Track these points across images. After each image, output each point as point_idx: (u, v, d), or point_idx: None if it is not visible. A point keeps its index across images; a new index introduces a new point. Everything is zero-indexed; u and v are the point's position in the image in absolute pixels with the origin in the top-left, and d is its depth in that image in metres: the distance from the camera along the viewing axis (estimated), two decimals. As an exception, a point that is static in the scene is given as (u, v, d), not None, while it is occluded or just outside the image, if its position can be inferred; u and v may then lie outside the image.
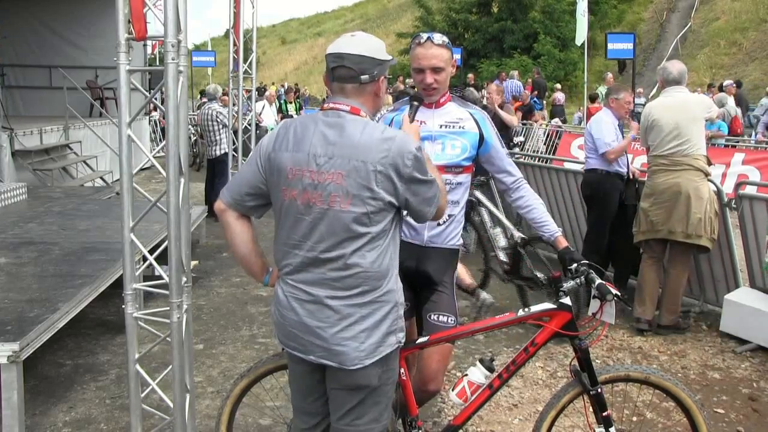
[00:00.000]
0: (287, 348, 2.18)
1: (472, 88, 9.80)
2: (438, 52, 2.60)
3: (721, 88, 15.05)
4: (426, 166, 2.07)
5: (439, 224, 2.72)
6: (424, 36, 2.63)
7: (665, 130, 4.68)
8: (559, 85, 21.23)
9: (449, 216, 2.73)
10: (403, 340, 2.19)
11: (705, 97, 5.06)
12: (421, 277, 2.74)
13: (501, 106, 9.01)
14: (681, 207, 4.62)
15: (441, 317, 2.67)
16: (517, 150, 10.29)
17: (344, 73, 2.05)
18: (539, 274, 4.99)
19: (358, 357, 2.04)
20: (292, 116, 14.23)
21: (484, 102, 9.36)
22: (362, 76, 2.04)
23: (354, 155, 1.98)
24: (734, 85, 15.21)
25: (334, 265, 2.03)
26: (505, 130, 8.93)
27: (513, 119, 9.22)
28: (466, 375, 2.54)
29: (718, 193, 4.88)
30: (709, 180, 4.78)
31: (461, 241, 2.82)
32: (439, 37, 2.62)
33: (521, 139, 13.63)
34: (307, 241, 2.05)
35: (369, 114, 2.10)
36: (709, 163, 4.74)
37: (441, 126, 2.71)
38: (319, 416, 2.29)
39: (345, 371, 2.07)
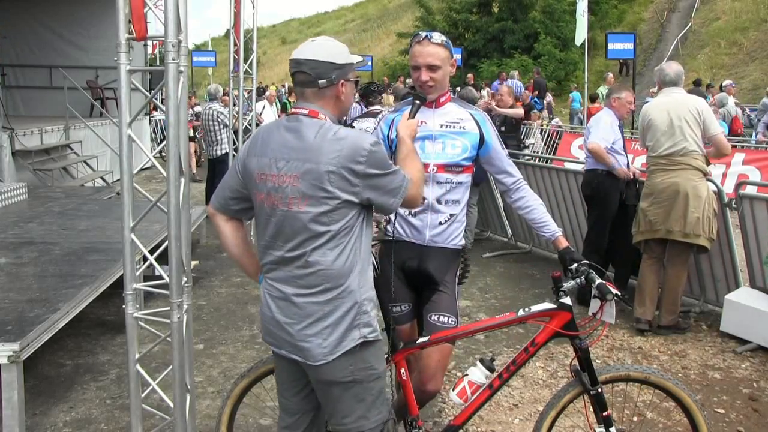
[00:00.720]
0: (266, 342, 2.26)
1: (471, 87, 9.79)
2: (434, 50, 2.61)
3: (720, 89, 15.04)
4: (385, 160, 2.10)
5: (440, 223, 2.72)
6: (423, 34, 2.65)
7: (660, 129, 4.70)
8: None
9: (450, 215, 2.73)
10: (371, 336, 2.16)
11: (699, 98, 5.00)
12: (423, 276, 2.74)
13: (511, 107, 9.03)
14: (679, 206, 4.61)
15: (441, 318, 2.67)
16: (526, 151, 10.28)
17: (302, 78, 2.11)
18: None
19: (321, 353, 2.10)
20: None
21: (482, 102, 9.35)
22: (319, 81, 2.09)
23: (307, 157, 2.04)
24: (732, 84, 15.20)
25: (297, 263, 2.11)
26: (515, 131, 8.92)
27: (518, 111, 9.22)
28: (467, 375, 2.55)
29: (719, 193, 4.88)
30: (709, 180, 4.78)
31: (463, 241, 2.82)
32: (437, 36, 2.63)
33: (532, 141, 13.65)
34: (276, 241, 2.13)
35: (331, 117, 2.15)
36: (708, 163, 4.74)
37: (441, 126, 2.71)
38: (297, 414, 2.34)
39: (312, 367, 2.13)
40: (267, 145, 2.13)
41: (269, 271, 2.19)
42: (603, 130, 5.24)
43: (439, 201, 2.70)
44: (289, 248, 2.10)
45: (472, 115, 2.75)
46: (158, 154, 4.78)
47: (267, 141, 2.14)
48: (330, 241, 2.07)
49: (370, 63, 23.02)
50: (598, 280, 2.47)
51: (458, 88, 10.80)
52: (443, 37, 2.64)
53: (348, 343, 2.12)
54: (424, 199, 2.65)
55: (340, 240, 2.08)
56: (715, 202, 4.69)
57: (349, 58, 2.15)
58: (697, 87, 15.26)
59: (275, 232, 2.12)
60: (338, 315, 2.10)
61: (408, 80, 19.64)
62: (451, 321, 2.67)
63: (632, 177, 5.36)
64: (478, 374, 2.53)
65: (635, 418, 3.64)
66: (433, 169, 2.68)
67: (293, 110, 2.15)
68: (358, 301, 2.13)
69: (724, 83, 15.12)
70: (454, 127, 2.72)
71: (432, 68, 2.62)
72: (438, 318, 2.67)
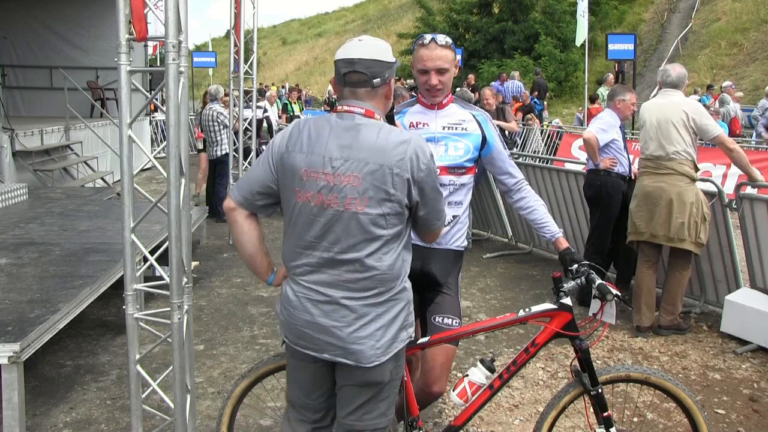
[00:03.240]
0: (297, 347, 2.18)
1: (465, 89, 9.80)
2: (442, 53, 2.60)
3: (721, 90, 15.02)
4: (437, 174, 2.12)
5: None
6: (428, 37, 2.63)
7: (649, 131, 4.70)
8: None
9: (453, 217, 2.74)
10: (413, 335, 2.23)
11: (692, 101, 4.89)
12: (426, 278, 2.74)
13: (502, 109, 9.05)
14: (663, 211, 4.61)
15: (446, 319, 2.67)
16: (515, 150, 10.32)
17: (357, 78, 2.07)
18: None
19: (375, 355, 2.08)
20: (298, 116, 14.26)
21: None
22: (374, 80, 2.07)
23: (370, 158, 2.01)
24: (733, 86, 15.18)
25: (350, 267, 2.06)
26: (502, 134, 8.95)
27: (513, 125, 9.26)
28: (467, 375, 2.55)
29: (719, 193, 4.87)
30: (709, 181, 4.76)
31: (465, 242, 2.82)
32: (442, 38, 2.62)
33: (517, 140, 13.69)
34: (322, 242, 2.07)
35: (381, 116, 2.13)
36: (697, 169, 4.70)
37: (444, 128, 2.71)
38: (322, 411, 2.31)
39: (361, 369, 2.10)
40: (316, 142, 2.06)
41: (306, 273, 2.12)
42: (604, 124, 5.28)
43: None
44: (339, 250, 2.05)
45: (474, 116, 2.75)
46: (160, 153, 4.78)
47: (316, 138, 2.07)
48: (385, 245, 2.06)
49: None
50: (599, 281, 2.48)
51: (458, 89, 10.79)
52: (448, 39, 2.64)
53: (398, 345, 2.14)
54: None
55: (393, 245, 2.08)
56: (705, 206, 4.64)
57: (392, 57, 2.15)
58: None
59: (322, 233, 2.06)
60: (391, 316, 2.11)
61: (408, 81, 19.62)
62: (455, 323, 2.68)
63: (630, 175, 5.37)
64: (478, 375, 2.53)
65: (635, 419, 3.63)
66: (436, 172, 2.68)
67: (347, 108, 2.09)
68: (409, 300, 2.17)
69: (724, 84, 15.10)
70: (456, 128, 2.72)
71: (441, 72, 2.62)
72: (442, 320, 2.67)
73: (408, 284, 2.19)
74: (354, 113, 2.08)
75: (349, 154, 2.02)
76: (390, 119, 2.33)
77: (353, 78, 2.07)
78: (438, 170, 2.15)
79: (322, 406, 2.30)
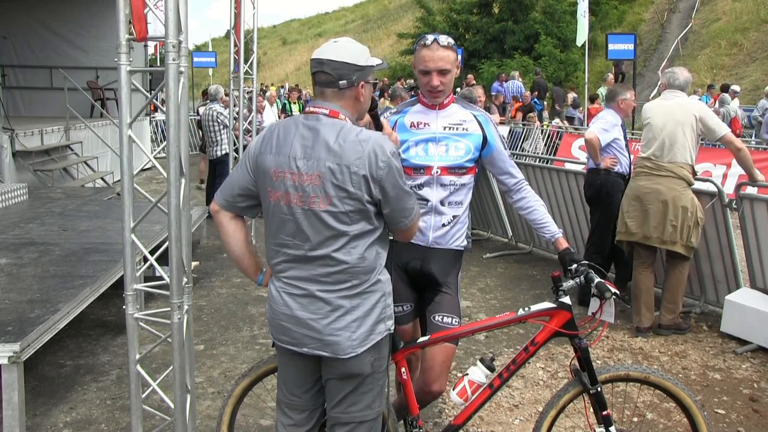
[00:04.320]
0: (280, 342, 2.23)
1: (471, 88, 9.81)
2: (444, 54, 2.61)
3: (724, 90, 15.00)
4: (402, 172, 2.13)
5: (443, 225, 2.72)
6: (430, 38, 2.63)
7: (653, 131, 4.70)
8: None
9: (453, 217, 2.74)
10: (393, 328, 2.24)
11: (699, 103, 4.94)
12: (426, 277, 2.74)
13: (488, 108, 9.06)
14: (658, 214, 4.62)
15: (445, 318, 2.68)
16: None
17: (323, 78, 2.12)
18: None
19: (351, 346, 2.12)
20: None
21: None
22: (340, 82, 2.10)
23: (329, 157, 2.04)
24: (737, 92, 15.18)
25: (322, 262, 2.11)
26: None
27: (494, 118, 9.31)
28: (467, 374, 2.55)
29: (719, 193, 4.87)
30: (710, 181, 4.76)
31: (465, 242, 2.82)
32: (444, 39, 2.62)
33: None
34: (294, 239, 2.12)
35: (350, 117, 2.16)
36: (694, 173, 4.72)
37: (445, 128, 2.72)
38: (306, 411, 2.32)
39: (339, 360, 2.14)
40: (284, 143, 2.12)
41: (284, 270, 2.17)
42: (605, 123, 5.28)
43: (442, 203, 2.71)
44: (309, 247, 2.10)
45: (474, 116, 2.75)
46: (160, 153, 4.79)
47: (284, 139, 2.12)
48: (353, 240, 2.09)
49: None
50: (597, 279, 2.48)
51: (458, 89, 10.80)
52: (450, 40, 2.64)
53: (376, 336, 2.16)
54: (427, 201, 2.68)
55: (362, 239, 2.10)
56: (699, 212, 4.64)
57: (370, 61, 2.16)
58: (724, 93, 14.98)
59: (294, 231, 2.11)
60: (366, 308, 2.13)
61: (408, 81, 19.64)
62: (455, 321, 2.69)
63: (630, 174, 5.37)
64: (478, 374, 2.53)
65: (635, 419, 3.64)
66: (437, 172, 2.69)
67: (312, 109, 2.14)
68: (385, 293, 2.18)
69: (731, 88, 15.10)
70: (457, 129, 2.72)
71: (442, 72, 2.62)
72: (442, 318, 2.68)
73: (384, 277, 2.20)
74: (318, 113, 2.12)
75: (310, 154, 2.07)
76: (375, 119, 2.35)
77: (321, 78, 2.13)
78: (402, 168, 2.14)
79: (308, 405, 2.32)
